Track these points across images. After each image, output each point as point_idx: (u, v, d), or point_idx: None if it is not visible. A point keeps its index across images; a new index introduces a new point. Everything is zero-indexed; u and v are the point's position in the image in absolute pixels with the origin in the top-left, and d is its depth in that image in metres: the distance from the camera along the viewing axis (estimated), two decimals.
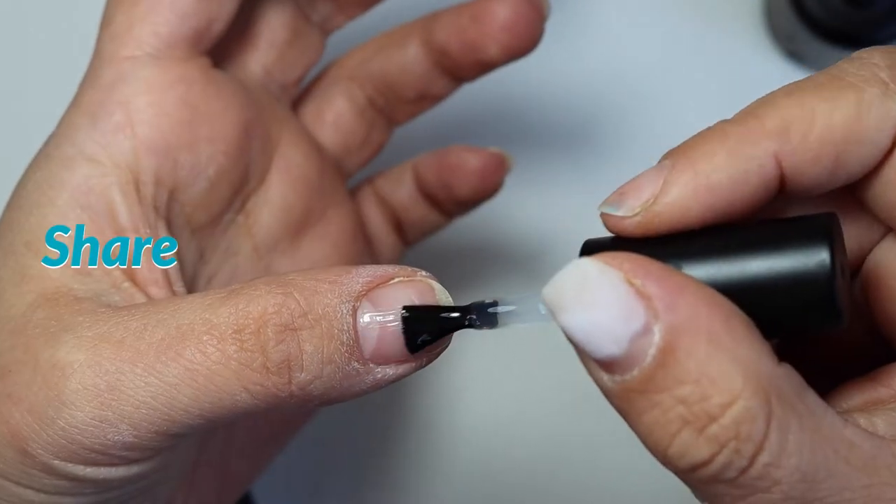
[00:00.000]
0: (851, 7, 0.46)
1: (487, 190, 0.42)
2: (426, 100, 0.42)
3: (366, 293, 0.28)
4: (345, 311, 0.28)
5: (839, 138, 0.26)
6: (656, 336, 0.23)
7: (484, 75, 0.41)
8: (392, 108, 0.42)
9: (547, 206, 0.49)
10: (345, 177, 0.42)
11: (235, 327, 0.28)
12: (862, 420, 0.25)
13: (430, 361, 0.29)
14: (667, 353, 0.23)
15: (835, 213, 0.26)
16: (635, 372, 0.23)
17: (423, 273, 0.29)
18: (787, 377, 0.24)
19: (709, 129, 0.27)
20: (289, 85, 0.40)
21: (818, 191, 0.27)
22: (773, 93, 0.27)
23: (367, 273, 0.28)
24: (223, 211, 0.36)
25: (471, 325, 0.28)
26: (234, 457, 0.37)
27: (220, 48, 0.37)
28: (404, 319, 0.28)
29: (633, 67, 0.50)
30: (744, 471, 0.23)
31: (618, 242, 0.27)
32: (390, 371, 0.28)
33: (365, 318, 0.28)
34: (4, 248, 0.32)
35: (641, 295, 0.23)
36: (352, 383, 0.28)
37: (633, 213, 0.26)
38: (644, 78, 0.49)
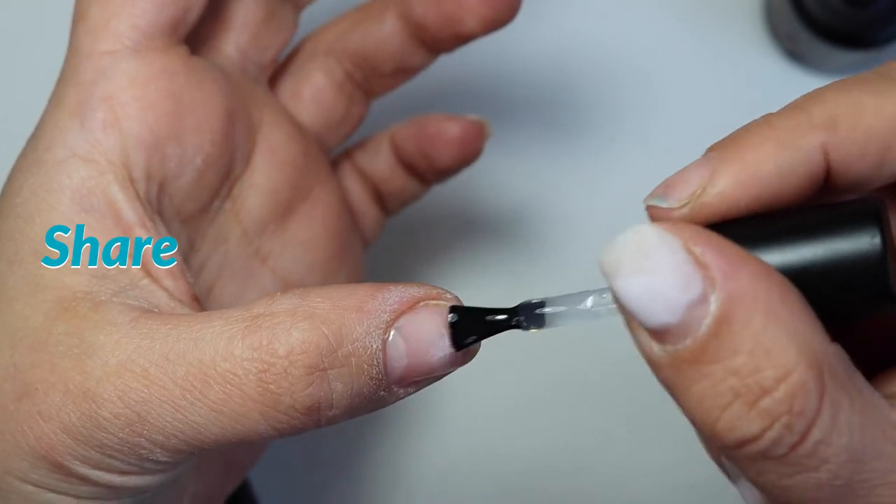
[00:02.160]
0: (851, 7, 0.46)
1: (467, 158, 0.42)
2: (404, 72, 0.41)
3: (393, 322, 0.27)
4: (375, 347, 0.27)
5: (887, 133, 0.25)
6: (713, 305, 0.23)
7: (461, 47, 0.41)
8: (370, 81, 0.42)
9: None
10: (327, 153, 0.42)
11: (260, 367, 0.27)
12: None
13: (449, 372, 0.29)
14: (722, 322, 0.23)
15: (880, 197, 0.26)
16: (688, 342, 0.23)
17: (450, 294, 0.28)
18: (839, 356, 0.24)
19: (755, 121, 0.26)
20: (265, 65, 0.40)
21: (864, 186, 0.27)
22: (820, 88, 0.27)
23: (394, 299, 0.28)
24: (211, 199, 0.36)
25: (518, 326, 0.28)
26: (237, 447, 0.38)
27: (195, 33, 0.36)
28: (452, 324, 0.27)
29: (632, 64, 0.50)
30: (794, 447, 0.23)
31: None
32: (411, 389, 0.28)
33: (393, 351, 0.28)
34: (9, 258, 0.31)
35: (700, 263, 0.23)
36: (374, 407, 0.29)
37: (681, 203, 0.26)
38: (643, 74, 0.49)
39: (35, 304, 0.30)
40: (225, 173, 0.36)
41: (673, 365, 0.23)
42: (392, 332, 0.28)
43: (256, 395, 0.27)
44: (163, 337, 0.28)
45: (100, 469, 0.29)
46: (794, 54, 0.49)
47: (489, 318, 0.28)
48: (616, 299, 0.24)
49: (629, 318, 0.24)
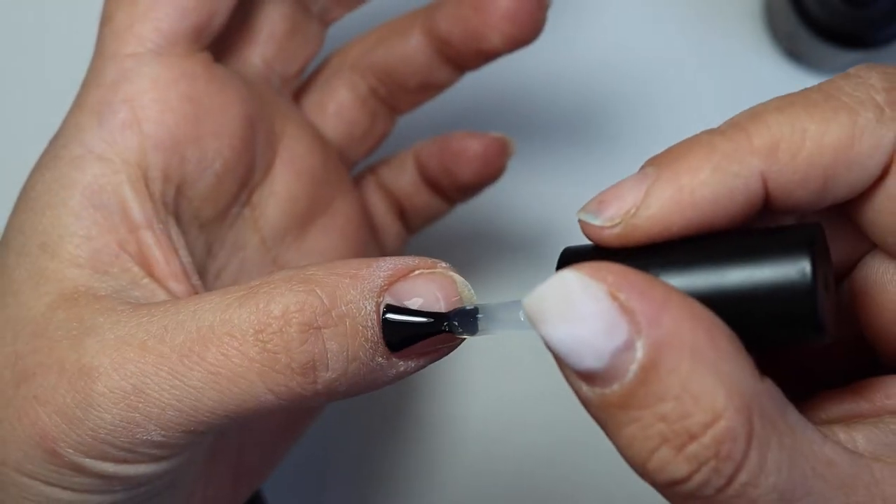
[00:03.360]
0: (851, 7, 0.46)
1: (490, 175, 0.43)
2: (428, 89, 0.42)
3: (388, 287, 0.28)
4: (369, 308, 0.28)
5: (829, 162, 0.25)
6: (639, 352, 0.23)
7: (486, 64, 0.41)
8: (395, 97, 0.42)
9: (548, 191, 0.49)
10: (349, 167, 0.42)
11: (257, 328, 0.27)
12: (842, 434, 0.25)
13: (448, 352, 0.29)
14: (649, 369, 0.23)
15: (820, 224, 0.25)
16: (616, 387, 0.23)
17: (444, 265, 0.29)
18: (769, 393, 0.23)
19: (694, 138, 0.26)
20: (290, 77, 0.40)
21: (804, 210, 0.26)
22: (763, 105, 0.26)
23: (388, 266, 0.28)
24: (230, 205, 0.37)
25: (450, 331, 0.28)
26: (248, 449, 0.38)
27: (221, 42, 0.37)
28: (383, 321, 0.28)
29: (632, 63, 0.50)
30: (721, 489, 0.23)
31: (597, 251, 0.26)
32: (412, 363, 0.28)
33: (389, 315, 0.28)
34: (17, 250, 0.32)
35: (625, 309, 0.23)
36: (375, 377, 0.28)
37: (613, 223, 0.26)
38: (644, 75, 0.49)
39: (38, 294, 0.31)
40: (244, 179, 0.37)
41: (602, 407, 0.23)
42: (386, 296, 0.28)
43: (253, 354, 0.27)
44: (162, 313, 0.29)
45: (93, 457, 0.29)
46: (794, 54, 0.49)
47: (418, 319, 0.28)
48: (543, 342, 0.24)
49: (557, 358, 0.24)
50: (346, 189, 0.41)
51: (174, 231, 0.33)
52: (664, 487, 0.24)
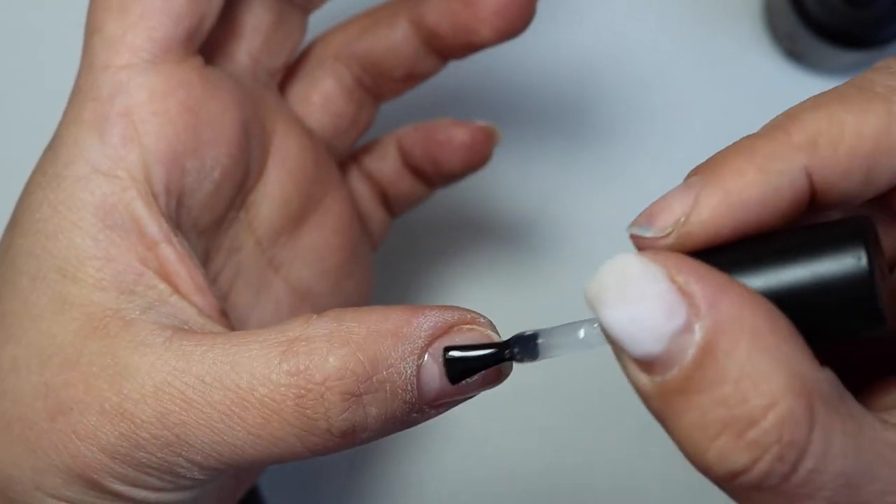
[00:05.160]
0: (851, 7, 0.46)
1: (475, 164, 0.43)
2: (414, 78, 0.41)
3: (428, 346, 0.28)
4: (409, 373, 0.28)
5: (869, 150, 0.25)
6: (697, 335, 0.23)
7: (473, 54, 0.41)
8: (379, 86, 0.42)
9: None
10: (336, 159, 0.42)
11: (297, 393, 0.28)
12: None
13: (498, 383, 0.29)
14: (707, 351, 0.23)
15: (869, 215, 0.25)
16: (675, 371, 0.23)
17: (483, 320, 0.29)
18: (829, 381, 0.23)
19: (735, 144, 0.26)
20: (276, 70, 0.39)
21: (849, 203, 0.26)
22: (798, 105, 0.26)
23: (430, 325, 0.28)
24: (227, 210, 0.36)
25: (511, 359, 0.28)
26: None
27: (208, 40, 0.36)
28: (446, 360, 0.28)
29: (630, 61, 0.50)
30: (786, 477, 0.23)
31: None
32: (442, 409, 0.29)
33: (426, 374, 0.28)
34: (32, 275, 0.31)
35: (684, 292, 0.23)
36: (406, 427, 0.29)
37: (665, 232, 0.25)
38: (642, 72, 0.49)
39: (63, 321, 0.30)
40: (240, 184, 0.36)
41: (661, 396, 0.23)
42: (427, 356, 0.28)
43: (294, 420, 0.28)
44: (199, 359, 0.29)
45: (135, 486, 0.29)
46: (794, 54, 0.50)
47: (483, 353, 0.28)
48: (602, 329, 0.24)
49: (617, 348, 0.24)
50: (335, 184, 0.40)
51: (183, 242, 0.33)
52: (727, 480, 0.23)
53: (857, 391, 0.27)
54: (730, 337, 0.23)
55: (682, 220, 0.25)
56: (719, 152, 0.26)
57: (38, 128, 0.34)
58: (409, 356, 0.28)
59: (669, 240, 0.25)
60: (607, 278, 0.24)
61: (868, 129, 0.25)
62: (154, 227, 0.32)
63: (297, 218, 0.39)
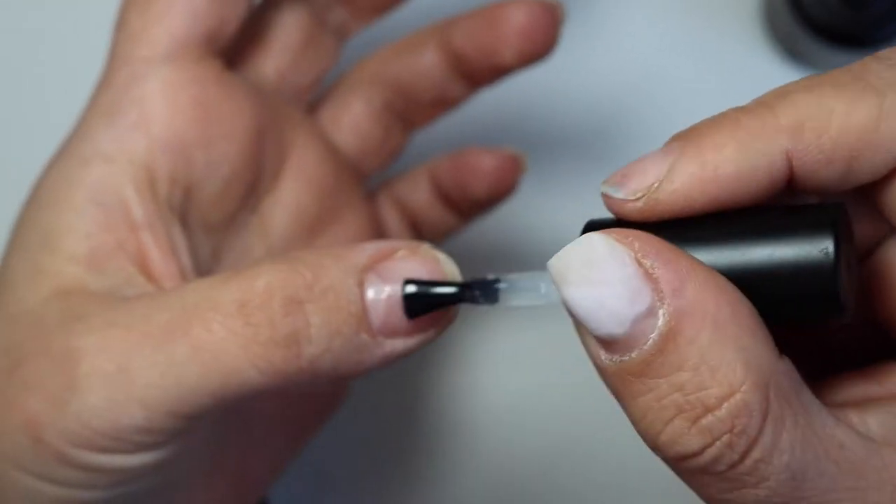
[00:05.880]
0: (850, 7, 0.45)
1: (503, 190, 0.43)
2: (443, 104, 0.42)
3: (371, 266, 0.28)
4: (351, 283, 0.28)
5: (854, 143, 0.25)
6: (660, 320, 0.23)
7: (500, 80, 0.41)
8: (409, 112, 0.42)
9: (560, 207, 0.49)
10: (362, 180, 0.43)
11: (240, 302, 0.28)
12: (854, 418, 0.25)
13: (438, 334, 0.29)
14: (669, 338, 0.23)
15: (843, 203, 0.25)
16: (634, 354, 0.23)
17: (428, 245, 0.29)
18: (786, 372, 0.24)
19: (721, 115, 0.26)
20: (303, 89, 0.41)
21: (827, 191, 0.26)
22: (791, 85, 0.26)
23: (372, 247, 0.29)
24: (237, 211, 0.37)
25: (472, 301, 0.28)
26: (252, 458, 0.38)
27: (234, 51, 0.38)
28: (405, 294, 0.28)
29: (632, 68, 0.50)
30: (734, 465, 0.23)
31: (620, 224, 0.26)
32: (399, 344, 0.29)
33: (371, 292, 0.28)
34: (19, 245, 0.33)
35: (649, 277, 0.23)
36: (361, 357, 0.29)
37: (636, 196, 0.25)
38: (642, 78, 0.49)
39: (34, 288, 0.31)
40: (251, 186, 0.37)
41: (618, 375, 0.24)
42: (370, 275, 0.28)
43: (236, 328, 0.28)
44: (150, 298, 0.30)
45: (78, 445, 0.29)
46: (793, 54, 0.49)
47: (443, 291, 0.28)
48: (564, 305, 0.24)
49: (578, 323, 0.24)
50: (356, 201, 0.41)
51: (177, 233, 0.34)
52: (676, 461, 0.24)
53: (820, 381, 0.27)
54: (692, 324, 0.23)
55: (655, 185, 0.25)
56: (704, 121, 0.26)
57: (41, 127, 0.36)
58: (351, 270, 0.28)
59: (638, 204, 0.25)
60: (573, 257, 0.24)
61: (855, 121, 0.25)
62: (140, 211, 0.33)
63: (311, 229, 0.39)
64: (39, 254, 0.32)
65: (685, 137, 0.26)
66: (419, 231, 0.45)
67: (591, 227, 0.27)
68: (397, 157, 0.44)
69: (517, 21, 0.39)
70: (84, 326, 0.29)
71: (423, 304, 0.28)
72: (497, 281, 0.28)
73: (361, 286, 0.28)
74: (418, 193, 0.44)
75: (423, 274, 0.28)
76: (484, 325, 0.48)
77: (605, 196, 0.26)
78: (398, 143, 0.43)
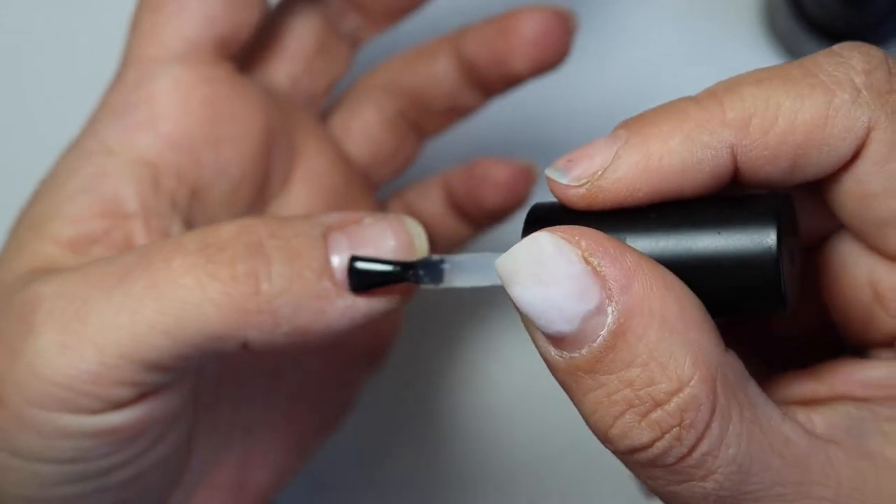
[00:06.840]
0: (850, 6, 0.45)
1: (515, 201, 0.43)
2: (455, 112, 0.42)
3: (337, 226, 0.29)
4: (316, 233, 0.29)
5: (800, 141, 0.25)
6: (609, 317, 0.23)
7: (512, 89, 0.41)
8: (422, 120, 0.42)
9: None
10: (374, 187, 0.42)
11: (204, 243, 0.28)
12: (801, 415, 0.25)
13: (397, 303, 0.30)
14: (618, 335, 0.23)
15: (789, 195, 0.25)
16: (584, 351, 0.23)
17: (392, 215, 0.30)
18: (732, 365, 0.24)
19: (669, 104, 0.26)
20: (316, 95, 0.41)
21: (773, 186, 0.26)
22: (742, 76, 0.26)
23: (340, 213, 0.30)
24: (245, 213, 0.37)
25: (416, 280, 0.29)
26: (253, 468, 0.37)
27: (248, 56, 0.38)
28: (350, 269, 0.29)
29: (645, 77, 0.50)
30: (682, 458, 0.23)
31: (564, 209, 0.26)
32: (361, 302, 0.29)
33: (336, 244, 0.29)
34: (13, 230, 0.33)
35: (597, 274, 0.23)
36: (322, 305, 0.29)
37: (579, 183, 0.25)
38: (654, 87, 0.49)
39: (13, 268, 0.32)
40: (260, 189, 0.37)
41: (568, 370, 0.24)
42: (339, 235, 0.29)
43: (198, 264, 0.28)
44: (115, 258, 0.30)
45: (34, 403, 0.28)
46: (793, 54, 0.49)
47: (386, 268, 0.29)
48: (512, 304, 0.24)
49: (526, 319, 0.24)
50: (367, 207, 0.41)
51: (176, 231, 0.34)
52: (625, 454, 0.24)
53: (769, 379, 0.27)
54: (640, 321, 0.23)
55: (599, 173, 0.25)
56: (652, 109, 0.26)
57: (43, 127, 0.36)
58: (317, 224, 0.29)
59: (581, 191, 0.25)
60: (521, 257, 0.24)
61: (802, 119, 0.25)
62: (134, 203, 0.33)
63: None
64: (26, 236, 0.32)
65: (631, 126, 0.26)
66: (430, 240, 0.44)
67: (537, 211, 0.27)
68: (409, 166, 0.44)
69: (530, 30, 0.39)
70: (44, 277, 0.30)
71: (366, 281, 0.29)
72: (442, 261, 0.29)
73: (325, 238, 0.29)
74: (430, 203, 0.44)
75: (393, 240, 0.29)
76: (483, 327, 0.48)
77: (549, 180, 0.26)
78: (410, 151, 0.43)
